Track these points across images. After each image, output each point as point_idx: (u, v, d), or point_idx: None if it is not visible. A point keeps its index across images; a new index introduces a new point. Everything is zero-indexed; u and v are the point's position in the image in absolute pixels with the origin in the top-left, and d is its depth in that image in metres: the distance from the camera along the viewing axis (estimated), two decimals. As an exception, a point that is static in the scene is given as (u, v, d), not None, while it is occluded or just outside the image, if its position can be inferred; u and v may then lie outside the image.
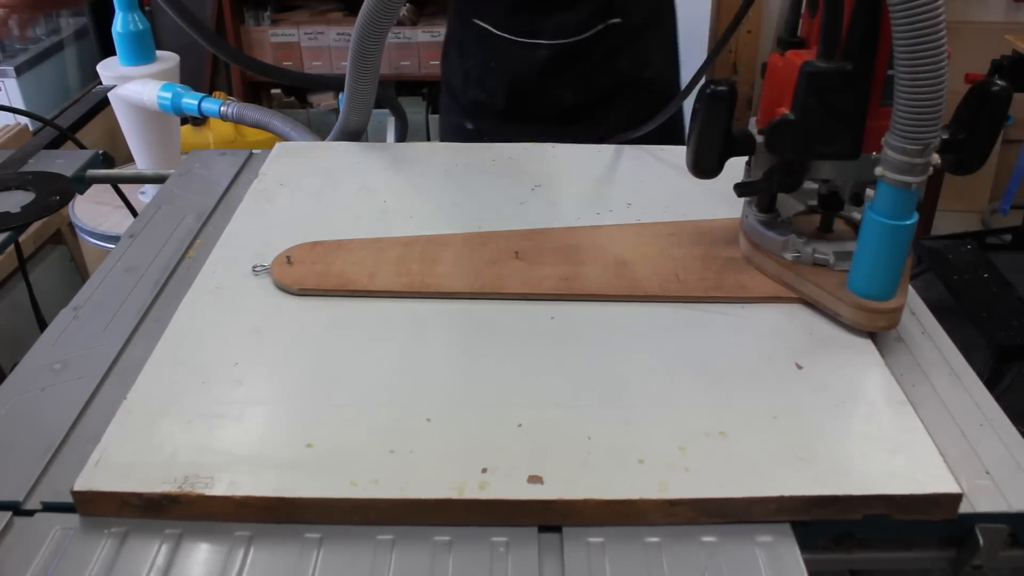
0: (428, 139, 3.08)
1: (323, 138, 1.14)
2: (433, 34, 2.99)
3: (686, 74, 1.03)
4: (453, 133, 1.30)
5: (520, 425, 0.58)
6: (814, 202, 0.73)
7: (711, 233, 0.80)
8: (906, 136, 0.58)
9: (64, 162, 1.04)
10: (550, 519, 0.53)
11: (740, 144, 0.70)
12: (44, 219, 1.02)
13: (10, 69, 2.20)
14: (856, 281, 0.67)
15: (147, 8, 1.49)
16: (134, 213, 1.27)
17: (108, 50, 1.54)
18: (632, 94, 1.22)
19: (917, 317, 0.72)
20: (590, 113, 1.19)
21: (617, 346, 0.67)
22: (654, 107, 1.11)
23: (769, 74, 0.70)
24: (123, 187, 1.24)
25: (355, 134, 1.05)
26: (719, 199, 0.86)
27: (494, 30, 1.18)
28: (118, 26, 1.47)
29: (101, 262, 0.80)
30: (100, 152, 1.09)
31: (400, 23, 2.98)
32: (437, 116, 3.08)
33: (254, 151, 1.03)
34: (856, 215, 0.75)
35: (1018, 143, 2.74)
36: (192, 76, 2.69)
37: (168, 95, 1.42)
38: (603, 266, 0.75)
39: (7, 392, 0.63)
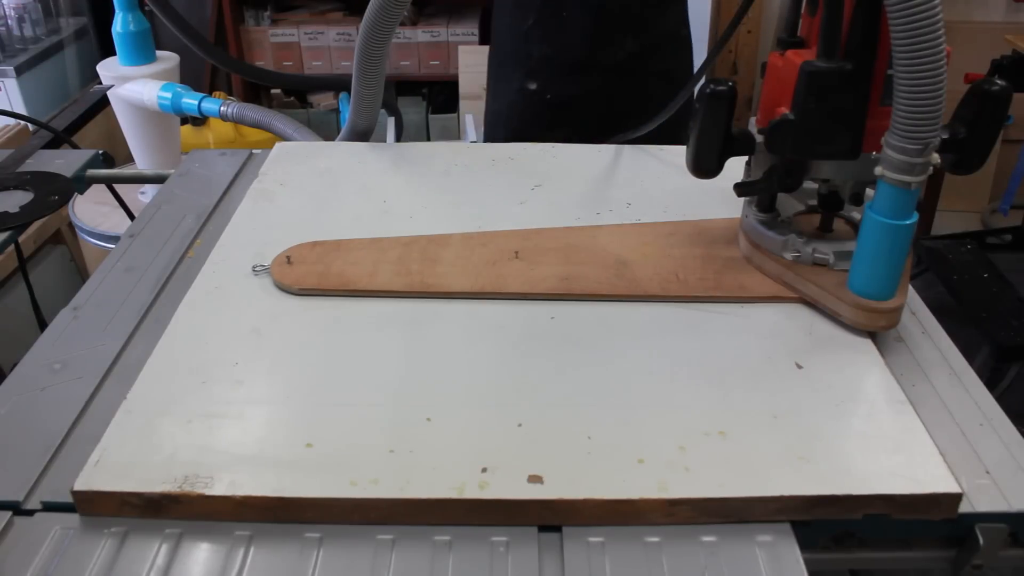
0: (428, 139, 3.08)
1: (324, 138, 1.14)
2: (433, 34, 2.99)
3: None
4: (515, 98, 1.35)
5: (520, 425, 0.58)
6: (814, 202, 0.74)
7: (711, 233, 0.80)
8: (906, 136, 0.58)
9: (63, 162, 1.04)
10: (550, 519, 0.53)
11: (740, 144, 0.70)
12: (44, 219, 1.02)
13: (10, 69, 2.20)
14: (856, 281, 0.67)
15: (146, 8, 1.48)
16: (131, 215, 1.27)
17: (108, 50, 1.54)
18: (672, 49, 1.33)
19: (917, 317, 0.72)
20: (642, 62, 1.28)
21: (617, 346, 0.67)
22: (686, 64, 1.33)
23: (769, 74, 0.70)
24: (123, 187, 1.24)
25: (363, 135, 1.05)
26: (719, 199, 0.86)
27: None
28: (118, 26, 1.47)
29: (101, 262, 0.80)
30: (100, 152, 1.09)
31: (400, 23, 2.98)
32: (437, 116, 3.09)
33: (254, 151, 1.03)
34: (856, 215, 0.75)
35: (1018, 143, 2.74)
36: (192, 76, 2.69)
37: (168, 95, 1.42)
38: (603, 266, 0.75)
39: (7, 392, 0.63)
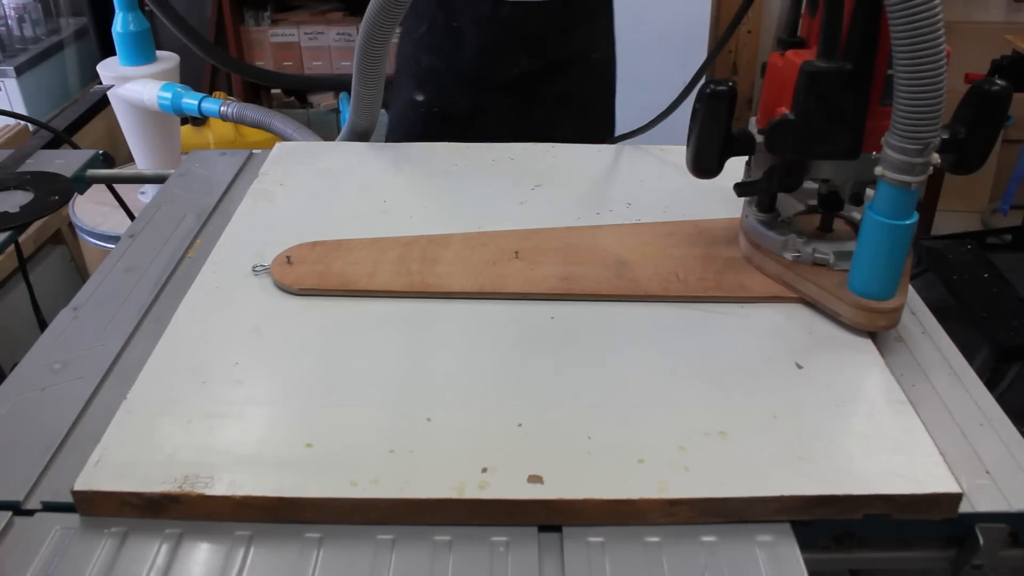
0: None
1: (324, 138, 1.14)
2: (433, 34, 2.99)
3: (686, 74, 1.03)
4: (404, 110, 1.29)
5: (520, 425, 0.58)
6: (814, 202, 0.73)
7: (711, 233, 0.80)
8: (906, 136, 0.58)
9: (63, 162, 1.04)
10: (550, 519, 0.53)
11: (740, 144, 0.70)
12: (44, 219, 1.02)
13: (10, 69, 2.20)
14: (856, 281, 0.67)
15: (146, 8, 1.49)
16: (130, 215, 1.27)
17: (108, 50, 1.54)
18: (578, 73, 1.25)
19: (917, 317, 0.72)
20: (537, 83, 1.21)
21: (617, 346, 0.67)
22: (595, 89, 1.24)
23: (769, 74, 0.70)
24: (123, 187, 1.25)
25: (363, 135, 1.05)
26: (719, 199, 0.85)
27: None
28: (118, 26, 1.47)
29: (101, 262, 0.80)
30: (100, 152, 1.09)
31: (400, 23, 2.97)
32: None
33: (254, 151, 1.03)
34: (856, 215, 0.75)
35: (1018, 143, 2.74)
36: (192, 75, 2.69)
37: (168, 95, 1.42)
38: (603, 266, 0.75)
39: (7, 392, 0.63)
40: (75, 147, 1.14)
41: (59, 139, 1.13)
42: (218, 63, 1.36)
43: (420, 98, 1.24)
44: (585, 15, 1.22)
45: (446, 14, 1.15)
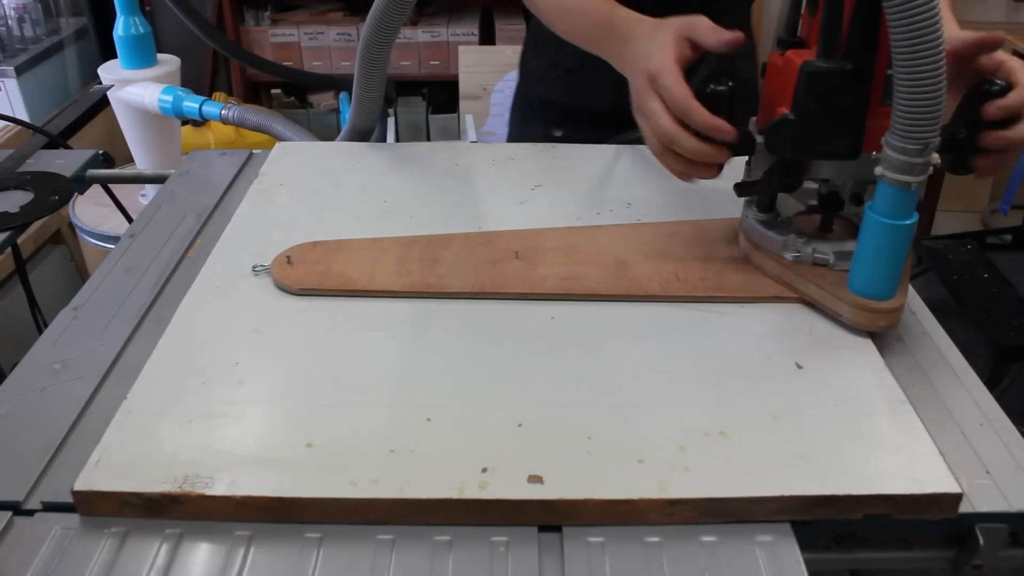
0: (428, 139, 3.08)
1: (323, 138, 1.14)
2: (433, 34, 2.99)
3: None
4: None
5: (520, 425, 0.58)
6: (814, 202, 0.73)
7: (711, 233, 0.80)
8: (906, 136, 0.58)
9: (63, 162, 1.04)
10: (550, 519, 0.53)
11: (740, 144, 0.70)
12: (44, 219, 1.02)
13: (10, 69, 2.20)
14: (856, 281, 0.67)
15: (148, 8, 1.49)
16: (128, 217, 1.27)
17: (108, 51, 1.54)
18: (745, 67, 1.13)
19: (917, 317, 0.72)
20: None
21: (617, 346, 0.67)
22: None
23: (769, 74, 0.70)
24: (122, 188, 1.25)
25: (363, 135, 1.05)
26: (719, 199, 0.86)
27: None
28: (119, 30, 1.47)
29: (101, 262, 0.80)
30: (100, 152, 1.09)
31: (400, 24, 2.96)
32: (437, 116, 3.09)
33: (254, 151, 1.03)
34: (856, 215, 0.75)
35: (1018, 143, 2.74)
36: (192, 76, 2.69)
37: (169, 98, 1.42)
38: (603, 266, 0.75)
39: (7, 392, 0.63)
40: (68, 148, 1.14)
41: (55, 142, 1.13)
42: (219, 48, 1.35)
43: (559, 133, 1.19)
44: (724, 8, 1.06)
45: (586, 56, 1.04)
